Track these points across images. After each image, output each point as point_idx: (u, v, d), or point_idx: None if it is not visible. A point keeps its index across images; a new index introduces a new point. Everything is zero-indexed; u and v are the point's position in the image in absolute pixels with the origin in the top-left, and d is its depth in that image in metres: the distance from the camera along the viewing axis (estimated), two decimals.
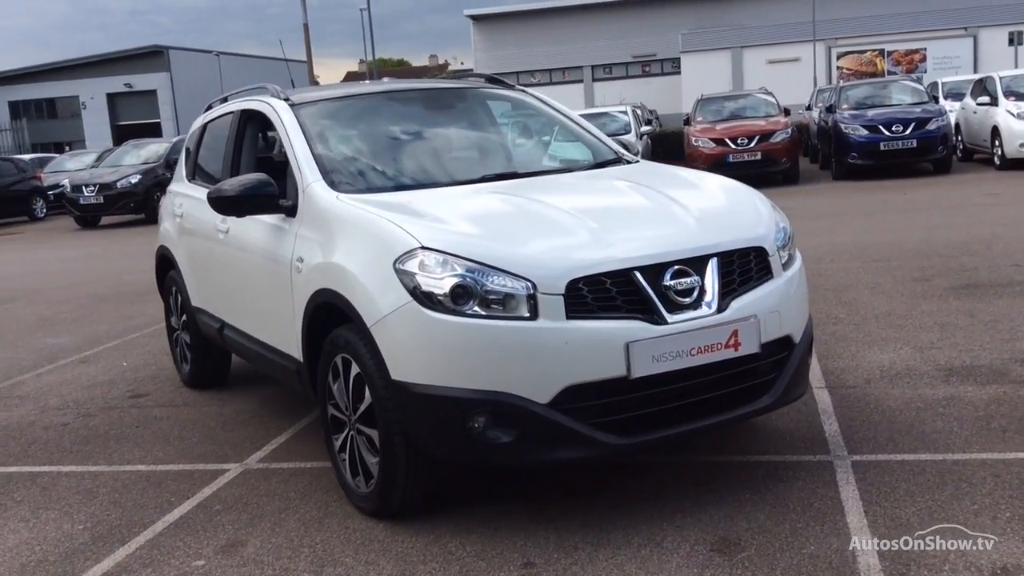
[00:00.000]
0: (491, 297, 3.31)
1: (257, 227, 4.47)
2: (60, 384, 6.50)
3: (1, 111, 55.68)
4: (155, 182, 19.26)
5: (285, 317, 4.18)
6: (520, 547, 3.43)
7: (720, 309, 3.48)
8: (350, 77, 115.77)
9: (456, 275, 3.34)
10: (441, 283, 3.34)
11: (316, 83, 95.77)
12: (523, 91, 5.33)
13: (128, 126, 54.08)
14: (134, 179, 19.37)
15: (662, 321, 3.37)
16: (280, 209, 4.25)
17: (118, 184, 19.25)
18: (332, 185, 4.15)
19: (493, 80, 5.47)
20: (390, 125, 4.82)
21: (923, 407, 4.55)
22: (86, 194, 19.34)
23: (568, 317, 3.29)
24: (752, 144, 16.80)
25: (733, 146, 16.80)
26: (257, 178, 4.26)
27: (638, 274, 3.39)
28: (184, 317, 5.90)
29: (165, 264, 6.18)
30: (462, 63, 54.13)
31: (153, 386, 6.24)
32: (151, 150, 21.02)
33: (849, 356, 5.56)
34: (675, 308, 3.42)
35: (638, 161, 4.83)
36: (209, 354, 5.83)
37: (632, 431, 3.41)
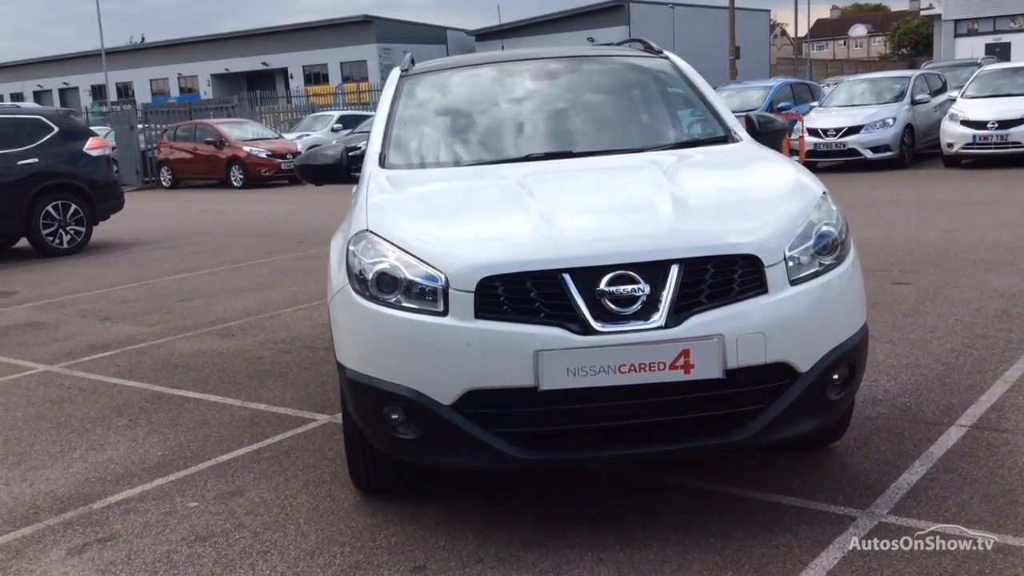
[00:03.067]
0: (414, 289, 3.20)
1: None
2: (300, 321, 7.26)
3: None
4: None
5: None
6: (473, 549, 3.33)
7: (669, 324, 3.04)
8: (820, 26, 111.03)
9: (385, 262, 3.27)
10: (372, 269, 3.30)
11: (783, 33, 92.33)
12: (666, 58, 4.92)
13: None
14: None
15: (587, 331, 3.02)
16: (350, 179, 4.42)
17: None
18: (384, 158, 4.23)
19: (649, 48, 5.11)
20: (478, 98, 4.72)
21: None
22: None
23: (477, 316, 3.08)
24: None
25: None
26: (324, 150, 4.46)
27: (567, 276, 3.05)
28: None
29: None
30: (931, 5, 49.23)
31: None
32: None
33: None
34: (612, 318, 3.05)
35: (738, 142, 4.26)
36: None
37: (543, 447, 3.12)
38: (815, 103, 18.79)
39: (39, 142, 11.70)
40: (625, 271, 3.06)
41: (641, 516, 3.46)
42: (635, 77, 4.83)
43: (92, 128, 16.28)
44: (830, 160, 16.83)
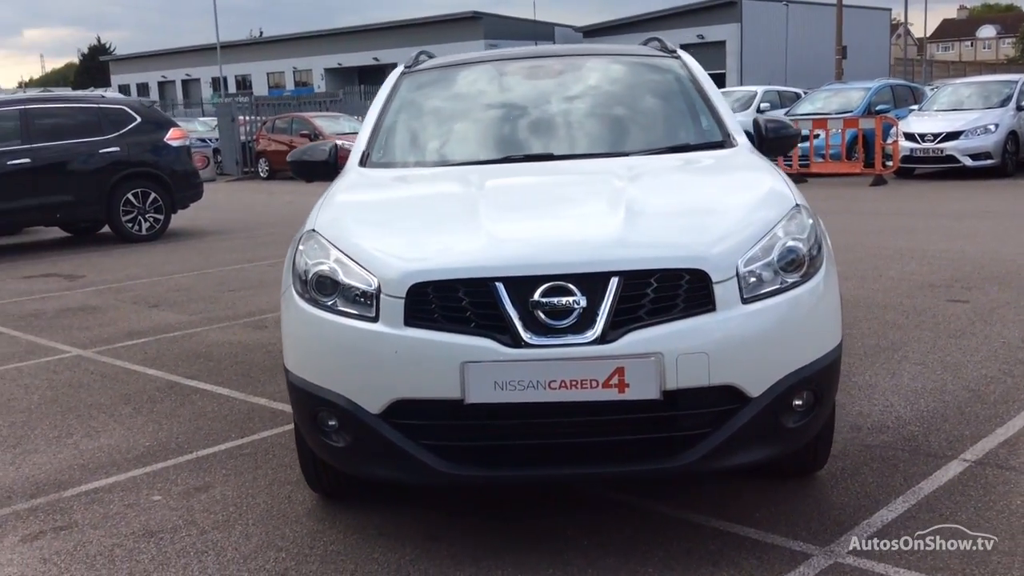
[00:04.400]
0: (350, 293, 3.11)
1: None
2: None
3: None
4: None
5: None
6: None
7: (603, 339, 2.87)
8: (946, 26, 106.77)
9: (325, 264, 3.20)
10: (311, 270, 3.23)
11: (906, 33, 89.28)
12: (677, 58, 4.72)
13: None
14: None
15: (517, 343, 2.89)
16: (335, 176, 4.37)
17: None
18: (367, 157, 4.17)
19: (664, 48, 4.91)
20: (470, 97, 4.61)
21: None
22: None
23: (407, 324, 2.97)
24: None
25: None
26: (318, 146, 4.42)
27: (500, 285, 2.91)
28: None
29: None
30: None
31: None
32: None
33: None
34: (546, 331, 2.90)
35: (734, 147, 4.03)
36: None
37: (470, 463, 3.00)
38: (915, 106, 18.00)
39: (121, 131, 12.08)
40: (561, 282, 2.90)
41: (587, 537, 3.30)
42: (639, 78, 4.65)
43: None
44: (927, 167, 16.10)
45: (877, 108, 17.66)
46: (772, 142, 4.28)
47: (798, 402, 3.10)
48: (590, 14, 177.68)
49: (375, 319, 3.02)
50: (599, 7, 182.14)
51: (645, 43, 5.22)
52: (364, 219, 3.45)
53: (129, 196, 12.18)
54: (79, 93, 18.43)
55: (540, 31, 58.71)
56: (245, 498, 3.80)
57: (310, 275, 3.21)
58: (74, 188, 11.77)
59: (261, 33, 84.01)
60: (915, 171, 16.30)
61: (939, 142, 15.63)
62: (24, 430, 4.80)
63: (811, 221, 3.30)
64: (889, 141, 15.94)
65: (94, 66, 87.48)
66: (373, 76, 59.34)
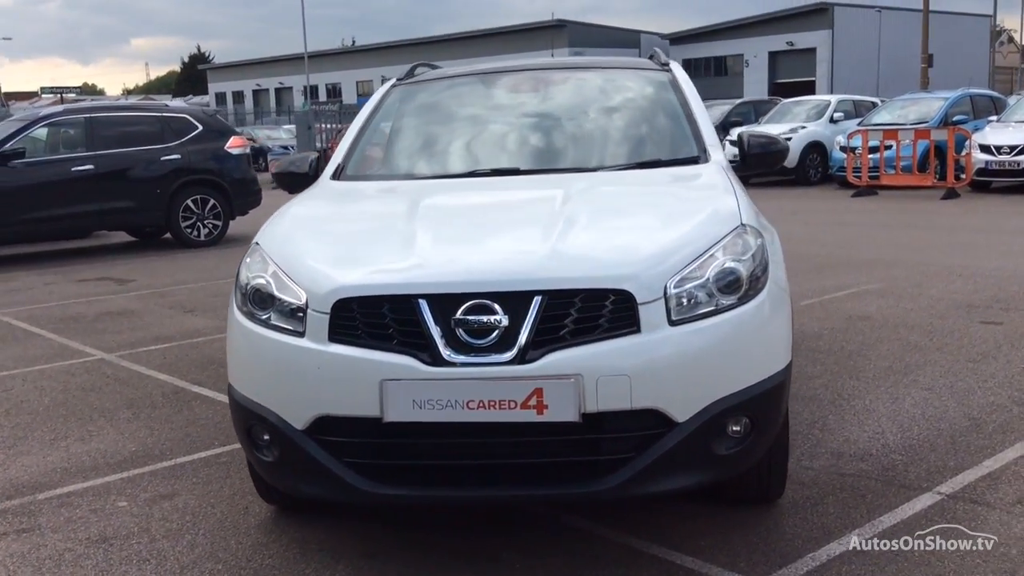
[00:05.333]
0: (283, 307, 3.13)
1: None
2: None
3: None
4: None
5: None
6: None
7: (523, 359, 2.83)
8: None
9: (262, 278, 3.22)
10: (249, 283, 3.26)
11: (1009, 40, 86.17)
12: (668, 71, 4.62)
13: (784, 83, 54.97)
14: None
15: (437, 362, 2.86)
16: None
17: None
18: (341, 169, 4.21)
19: (660, 62, 4.82)
20: (451, 111, 4.60)
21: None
22: None
23: (331, 339, 2.97)
24: None
25: None
26: (302, 158, 4.46)
27: (423, 302, 2.89)
28: None
29: None
30: None
31: None
32: (716, 112, 21.47)
33: None
34: (467, 350, 2.87)
35: (705, 163, 3.93)
36: None
37: (390, 481, 2.98)
38: (994, 117, 17.34)
39: (183, 140, 12.41)
40: (483, 300, 2.87)
41: (522, 559, 3.25)
42: (624, 92, 4.57)
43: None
44: (1004, 180, 15.46)
45: (954, 119, 17.07)
46: (755, 158, 4.17)
47: (735, 428, 3.01)
48: (679, 21, 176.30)
49: (302, 334, 3.03)
50: (689, 14, 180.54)
51: (650, 56, 5.14)
52: (305, 234, 3.47)
53: (189, 202, 12.49)
54: (143, 102, 19.03)
55: (625, 38, 58.45)
56: (204, 507, 3.85)
57: (248, 288, 3.24)
58: (136, 194, 12.13)
59: (353, 42, 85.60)
60: (991, 184, 15.68)
61: (1016, 155, 15.00)
62: (24, 432, 4.95)
63: (758, 242, 3.19)
64: (964, 153, 15.37)
65: (194, 74, 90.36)
66: None
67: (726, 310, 3.00)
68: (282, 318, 3.11)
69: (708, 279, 3.00)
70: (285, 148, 25.44)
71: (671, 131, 4.25)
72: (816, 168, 18.66)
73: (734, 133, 18.80)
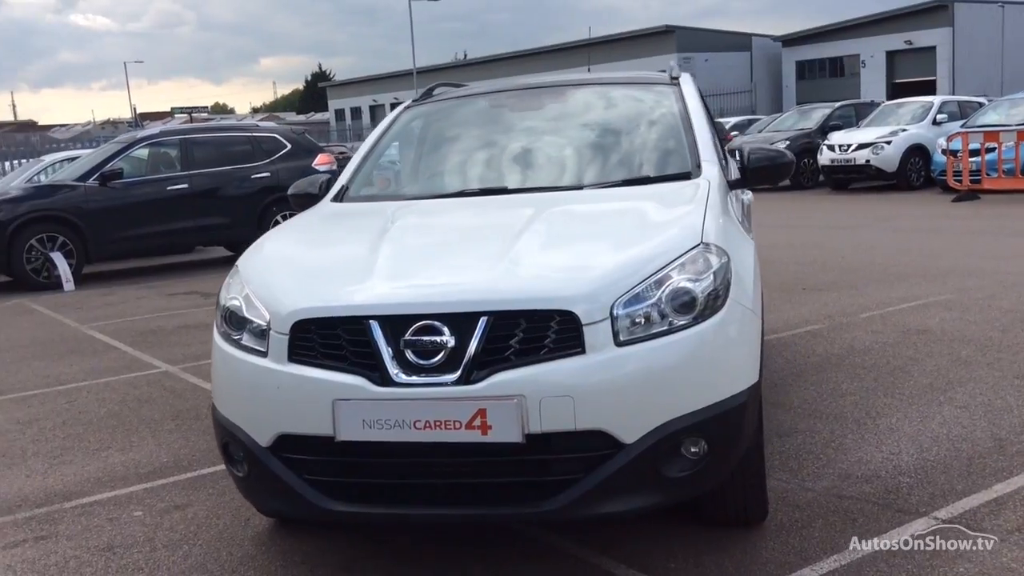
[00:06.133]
0: (252, 328, 3.25)
1: None
2: None
3: (788, 70, 59.20)
4: (804, 148, 19.30)
5: None
6: None
7: (467, 380, 2.87)
8: None
9: (237, 300, 3.36)
10: (226, 304, 3.40)
11: None
12: (677, 85, 4.58)
13: (903, 84, 53.13)
14: (782, 145, 19.51)
15: (385, 382, 2.93)
16: None
17: None
18: (345, 191, 4.33)
19: (672, 75, 4.78)
20: (454, 131, 4.67)
21: None
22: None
23: (290, 360, 3.08)
24: None
25: None
26: (314, 179, 4.60)
27: (375, 324, 2.97)
28: None
29: None
30: None
31: None
32: (817, 115, 20.94)
33: None
34: (415, 371, 2.93)
35: (695, 179, 3.88)
36: None
37: (346, 499, 3.05)
38: None
39: (272, 158, 12.88)
40: (432, 321, 2.93)
41: (481, 567, 3.29)
42: (626, 108, 4.57)
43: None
44: None
45: None
46: (753, 172, 4.11)
47: (693, 449, 2.98)
48: (797, 22, 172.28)
49: (265, 354, 3.14)
50: (807, 14, 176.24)
51: (664, 70, 5.10)
52: (278, 256, 3.59)
53: (279, 218, 12.90)
54: (235, 123, 19.70)
55: (736, 42, 57.53)
56: (210, 519, 4.01)
57: (225, 309, 3.38)
58: (228, 211, 12.63)
59: (465, 56, 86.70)
60: None
61: None
62: (73, 442, 5.24)
63: (722, 260, 3.15)
64: None
65: (316, 92, 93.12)
66: None
67: (679, 330, 2.97)
68: (252, 339, 3.23)
69: (660, 299, 2.98)
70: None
71: (667, 147, 4.23)
72: (918, 172, 18.00)
73: (831, 138, 18.42)
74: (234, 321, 3.32)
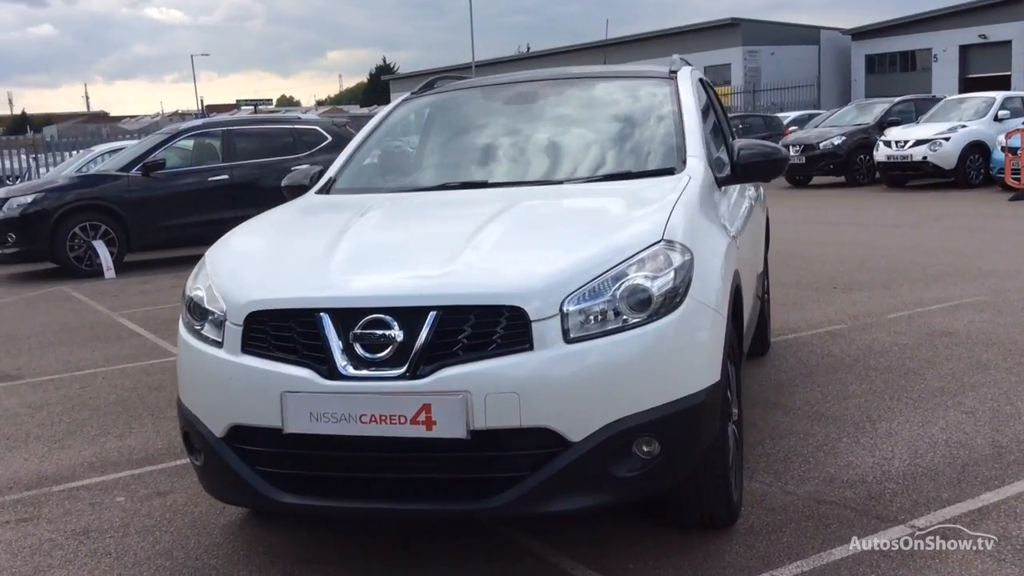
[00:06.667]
0: (213, 318, 3.25)
1: None
2: None
3: (858, 64, 58.02)
4: (860, 143, 18.87)
5: None
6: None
7: (414, 375, 2.84)
8: None
9: (200, 290, 3.36)
10: (190, 295, 3.40)
11: None
12: (671, 79, 4.47)
13: (976, 79, 51.69)
14: (837, 140, 19.14)
15: (333, 375, 2.91)
16: None
17: (820, 145, 19.27)
18: (332, 183, 4.32)
19: (670, 73, 4.66)
20: (445, 124, 4.64)
21: None
22: (791, 154, 19.78)
23: (244, 351, 3.07)
24: None
25: None
26: (306, 171, 4.59)
27: (325, 317, 2.95)
28: None
29: None
30: None
31: None
32: (876, 110, 20.46)
33: None
34: (363, 364, 2.90)
35: (676, 175, 3.78)
36: None
37: (295, 491, 3.04)
38: None
39: (313, 150, 12.96)
40: (380, 315, 2.89)
41: (451, 569, 3.24)
42: (618, 102, 4.49)
43: None
44: None
45: None
46: (745, 168, 3.99)
47: (646, 448, 2.90)
48: (867, 14, 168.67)
49: (222, 345, 3.14)
50: (878, 6, 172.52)
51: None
52: (242, 248, 3.59)
53: None
54: (277, 115, 19.94)
55: (804, 35, 56.52)
56: (188, 506, 4.03)
57: (188, 299, 3.38)
58: (268, 203, 12.64)
59: (528, 49, 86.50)
60: None
61: None
62: (77, 427, 5.32)
63: (684, 258, 3.05)
64: None
65: (380, 84, 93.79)
66: None
67: (632, 328, 2.89)
68: (211, 329, 3.23)
69: (614, 296, 2.91)
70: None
71: (653, 142, 4.12)
72: (977, 170, 17.47)
73: (888, 134, 17.97)
74: (197, 311, 3.33)
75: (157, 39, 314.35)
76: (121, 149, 14.57)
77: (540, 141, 4.31)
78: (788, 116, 27.90)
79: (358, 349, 2.89)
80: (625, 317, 2.91)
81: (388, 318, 2.88)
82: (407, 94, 4.96)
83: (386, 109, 4.82)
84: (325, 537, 3.61)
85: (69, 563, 3.54)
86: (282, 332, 3.01)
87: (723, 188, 4.02)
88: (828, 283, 8.53)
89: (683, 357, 2.98)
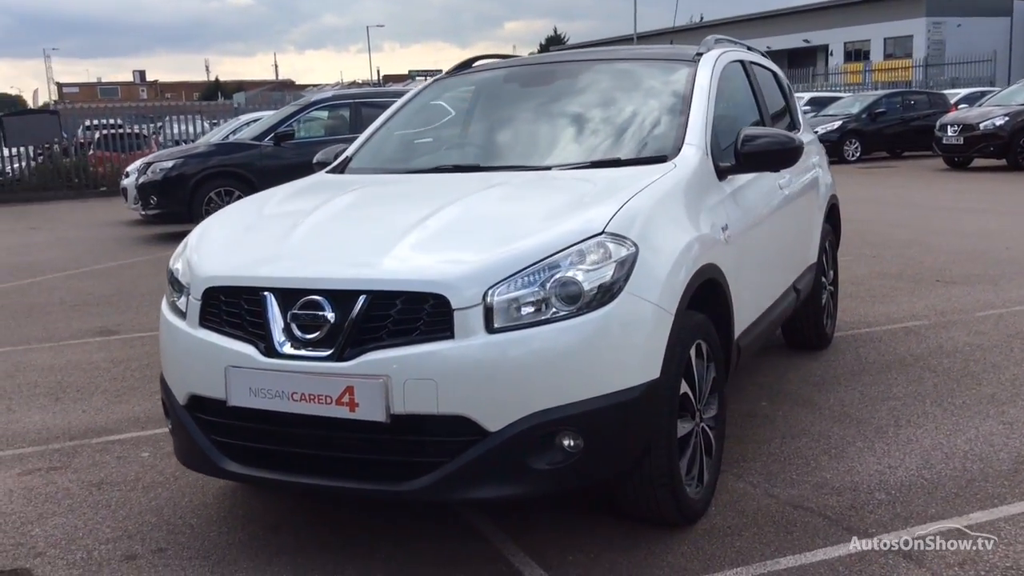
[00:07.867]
0: (184, 291, 3.42)
1: None
2: None
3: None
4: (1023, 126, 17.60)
5: None
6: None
7: (340, 357, 2.92)
8: None
9: (177, 263, 3.54)
10: (170, 267, 3.59)
11: None
12: (692, 63, 4.32)
13: None
14: (999, 120, 17.87)
15: (270, 353, 3.03)
16: None
17: (980, 126, 18.04)
18: (348, 161, 4.44)
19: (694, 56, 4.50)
20: (454, 105, 4.65)
21: None
22: (949, 134, 18.61)
23: (201, 325, 3.23)
24: None
25: None
26: (330, 151, 4.72)
27: (269, 295, 3.07)
28: None
29: None
30: None
31: None
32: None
33: None
34: (299, 344, 3.02)
35: (667, 162, 3.67)
36: None
37: (240, 461, 3.18)
38: None
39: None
40: (316, 296, 2.99)
41: (389, 539, 3.33)
42: (630, 87, 4.39)
43: None
44: None
45: None
46: (747, 157, 3.84)
47: (569, 442, 2.89)
48: None
49: (184, 317, 3.31)
50: None
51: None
52: (224, 226, 3.72)
53: None
54: (407, 87, 20.22)
55: (995, 6, 52.78)
56: None
57: (168, 272, 3.57)
58: None
59: (702, 18, 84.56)
60: None
61: None
62: (141, 383, 5.66)
63: (627, 251, 2.99)
64: None
65: None
66: (802, 59, 57.21)
67: (559, 320, 2.87)
68: (184, 302, 3.40)
69: (544, 287, 2.89)
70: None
71: (653, 129, 4.01)
72: None
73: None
74: (174, 284, 3.50)
75: (347, 10, 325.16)
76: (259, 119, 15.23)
77: (539, 126, 4.29)
78: (959, 93, 26.21)
79: (295, 329, 2.99)
80: (555, 309, 2.88)
81: (323, 300, 2.97)
82: (440, 74, 5.01)
83: (414, 90, 4.88)
84: (295, 508, 3.75)
85: (71, 511, 3.82)
86: (232, 308, 3.15)
87: (728, 178, 3.88)
88: (933, 275, 8.07)
89: (614, 352, 2.93)
